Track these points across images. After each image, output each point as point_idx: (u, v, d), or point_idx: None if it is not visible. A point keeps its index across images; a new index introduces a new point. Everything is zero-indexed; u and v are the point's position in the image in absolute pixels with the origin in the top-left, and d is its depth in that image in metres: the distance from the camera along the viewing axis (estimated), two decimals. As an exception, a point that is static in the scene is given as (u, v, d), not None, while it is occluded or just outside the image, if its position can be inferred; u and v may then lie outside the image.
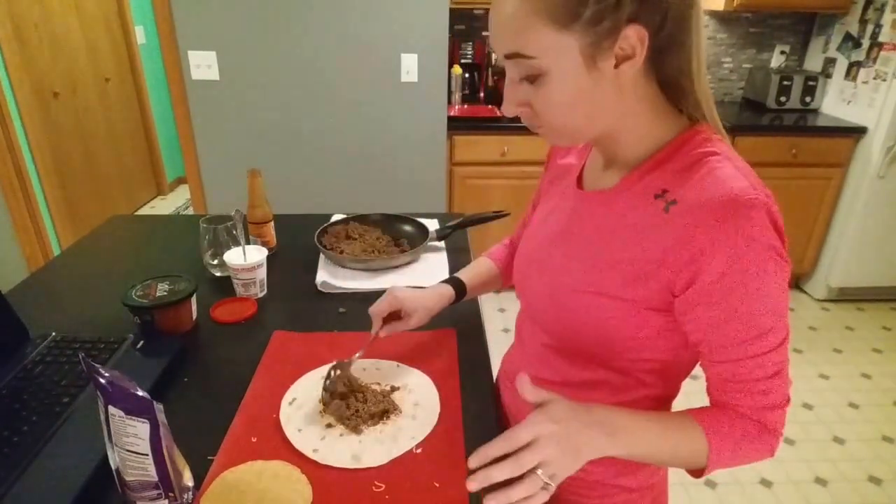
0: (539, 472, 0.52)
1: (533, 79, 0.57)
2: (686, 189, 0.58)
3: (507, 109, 0.61)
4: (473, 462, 0.54)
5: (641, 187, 0.63)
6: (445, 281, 0.97)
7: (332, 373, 0.83)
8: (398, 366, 0.91)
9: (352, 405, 0.80)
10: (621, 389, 0.71)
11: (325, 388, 0.82)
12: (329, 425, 0.78)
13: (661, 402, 0.73)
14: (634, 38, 0.53)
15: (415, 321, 0.89)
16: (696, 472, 0.65)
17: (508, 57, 0.57)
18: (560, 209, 0.74)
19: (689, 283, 0.58)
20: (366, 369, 0.90)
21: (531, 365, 0.79)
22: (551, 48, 0.54)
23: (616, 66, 0.55)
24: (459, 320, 1.03)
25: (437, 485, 0.69)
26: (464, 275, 0.98)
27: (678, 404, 0.73)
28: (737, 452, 0.61)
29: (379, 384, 0.86)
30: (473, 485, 0.53)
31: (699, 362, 0.66)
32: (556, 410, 0.56)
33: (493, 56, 2.89)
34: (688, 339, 0.63)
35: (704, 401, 0.66)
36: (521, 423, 0.55)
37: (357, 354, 0.87)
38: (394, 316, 0.91)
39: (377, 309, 0.88)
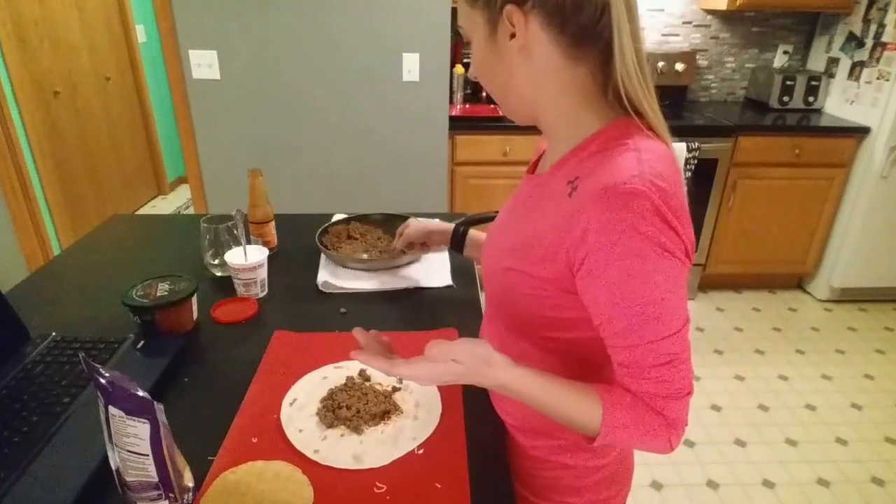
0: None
1: (468, 46, 0.68)
2: (588, 176, 0.61)
3: (470, 73, 0.74)
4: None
5: (562, 173, 0.67)
6: (455, 224, 1.10)
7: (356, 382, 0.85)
8: None
9: (353, 406, 0.80)
10: (547, 365, 0.72)
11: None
12: (330, 426, 0.77)
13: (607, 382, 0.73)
14: (515, 17, 0.61)
15: (436, 236, 1.12)
16: (589, 440, 0.65)
17: (459, 31, 0.70)
18: (516, 194, 0.81)
19: (578, 266, 0.60)
20: (367, 369, 0.89)
21: (488, 336, 0.83)
22: (468, 20, 0.67)
23: (510, 41, 0.63)
24: (461, 320, 1.03)
25: (439, 486, 0.69)
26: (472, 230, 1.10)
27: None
28: (631, 432, 0.63)
29: (380, 384, 0.86)
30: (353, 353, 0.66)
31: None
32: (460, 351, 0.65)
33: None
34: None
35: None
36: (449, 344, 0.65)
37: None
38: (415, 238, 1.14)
39: (412, 233, 1.13)
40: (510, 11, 0.61)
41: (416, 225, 1.15)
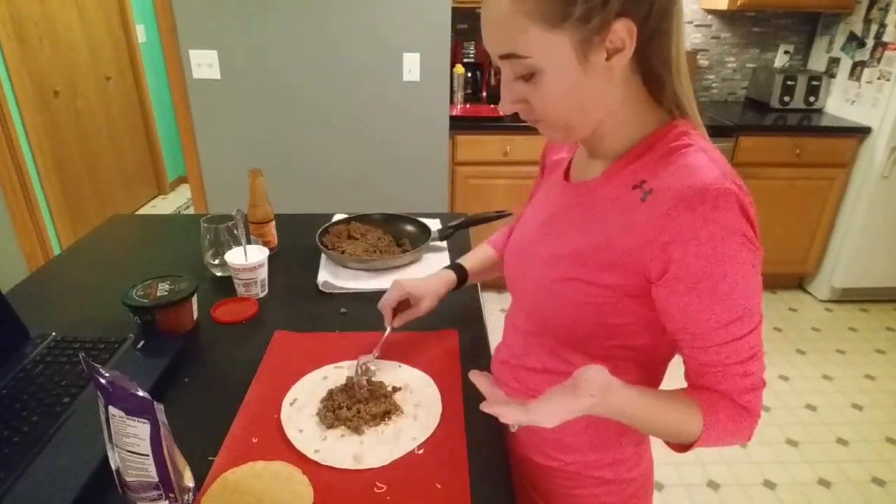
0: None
1: (528, 77, 0.59)
2: (661, 179, 0.60)
3: (504, 107, 0.63)
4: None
5: (621, 178, 0.64)
6: (447, 267, 0.99)
7: (358, 372, 0.84)
8: (399, 366, 0.91)
9: (353, 406, 0.79)
10: None
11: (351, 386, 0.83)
12: (330, 426, 0.77)
13: None
14: (623, 31, 0.55)
15: (425, 306, 0.92)
16: (681, 448, 0.65)
17: (503, 57, 0.59)
18: (548, 201, 0.77)
19: (663, 271, 0.59)
20: (361, 363, 0.89)
21: (516, 353, 0.81)
22: (544, 47, 0.56)
23: (607, 60, 0.57)
24: (461, 320, 1.03)
25: (440, 486, 0.69)
26: (465, 261, 1.01)
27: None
28: (724, 431, 0.63)
29: (381, 384, 0.86)
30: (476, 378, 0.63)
31: (677, 350, 0.67)
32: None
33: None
34: (665, 326, 0.64)
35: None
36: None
37: (374, 353, 0.88)
38: (403, 306, 0.93)
39: (386, 302, 0.91)
40: (625, 26, 0.55)
41: (394, 294, 0.92)
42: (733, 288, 0.57)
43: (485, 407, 0.60)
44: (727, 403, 0.63)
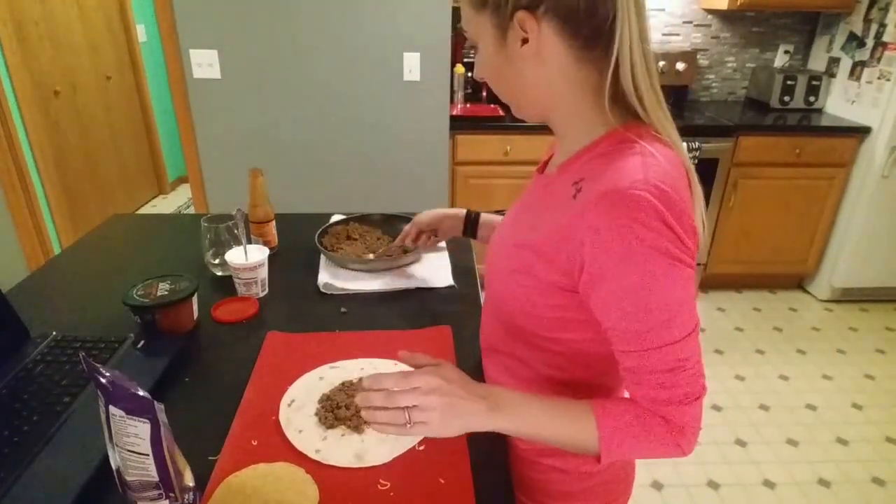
0: (408, 412, 0.60)
1: (474, 50, 0.69)
2: (592, 178, 0.61)
3: (475, 74, 0.71)
4: (365, 383, 0.63)
5: (568, 175, 0.66)
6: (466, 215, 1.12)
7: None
8: (395, 364, 0.91)
9: (351, 406, 0.79)
10: (543, 369, 0.73)
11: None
12: (330, 426, 0.77)
13: (588, 390, 0.74)
14: (525, 23, 0.60)
15: (447, 226, 1.15)
16: (596, 459, 0.65)
17: (461, 31, 0.70)
18: (525, 192, 0.80)
19: (581, 269, 0.60)
20: (363, 369, 0.89)
21: (487, 334, 0.84)
22: (474, 25, 0.66)
23: (521, 46, 0.62)
24: (460, 318, 1.03)
25: (443, 481, 0.69)
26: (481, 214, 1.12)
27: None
28: (634, 444, 0.63)
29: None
30: (357, 399, 0.63)
31: None
32: (447, 371, 0.64)
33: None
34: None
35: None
36: (417, 371, 0.64)
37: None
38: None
39: (423, 220, 1.17)
40: (523, 18, 0.60)
41: (427, 213, 1.18)
42: (648, 295, 0.56)
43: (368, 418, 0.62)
44: (642, 418, 0.62)
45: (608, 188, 0.56)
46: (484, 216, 1.12)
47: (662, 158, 0.59)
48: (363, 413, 0.62)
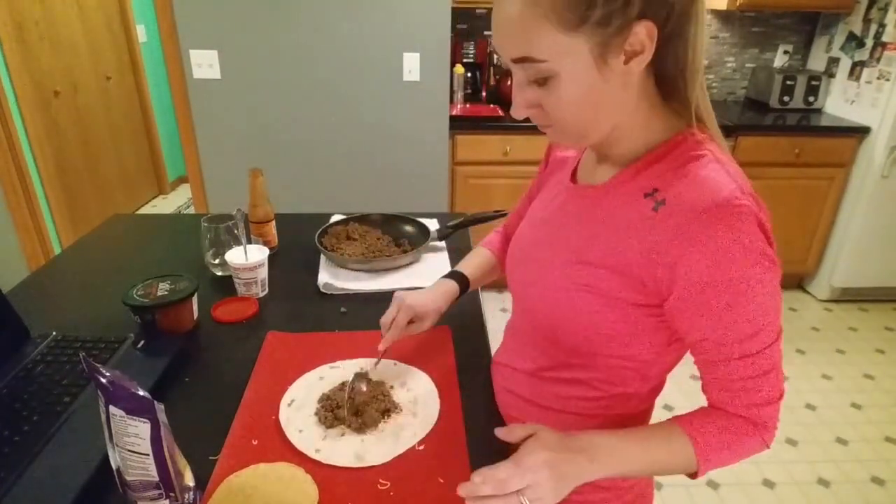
0: (523, 497, 0.56)
1: (542, 81, 0.57)
2: (675, 190, 0.58)
3: (517, 112, 0.61)
4: (476, 478, 0.57)
5: (632, 185, 0.63)
6: (447, 275, 0.96)
7: (355, 385, 0.81)
8: (395, 364, 0.91)
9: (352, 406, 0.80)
10: (598, 385, 0.71)
11: (349, 400, 0.80)
12: (331, 426, 0.77)
13: (638, 400, 0.74)
14: (643, 34, 0.53)
15: (428, 324, 0.89)
16: (692, 475, 0.66)
17: (516, 61, 0.57)
18: (553, 202, 0.75)
19: (675, 284, 0.58)
20: (363, 368, 0.89)
21: (515, 355, 0.80)
22: (561, 51, 0.54)
23: (625, 63, 0.55)
24: (460, 318, 1.03)
25: (442, 480, 0.69)
26: (465, 268, 0.98)
27: (677, 402, 0.72)
28: (727, 452, 0.63)
29: (380, 383, 0.86)
30: (462, 491, 0.57)
31: (694, 361, 0.66)
32: (547, 439, 0.60)
33: (495, 55, 2.89)
34: (682, 338, 0.64)
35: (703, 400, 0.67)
36: (520, 451, 0.59)
37: (374, 363, 0.88)
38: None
39: (398, 321, 0.86)
40: (646, 28, 0.53)
41: (414, 299, 0.89)
42: (749, 306, 0.56)
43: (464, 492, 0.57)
44: (730, 425, 0.63)
45: (705, 200, 0.55)
46: (470, 273, 0.97)
47: (735, 166, 0.59)
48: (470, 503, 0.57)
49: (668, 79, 0.60)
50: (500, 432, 0.64)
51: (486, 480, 0.56)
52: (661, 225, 0.58)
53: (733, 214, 0.54)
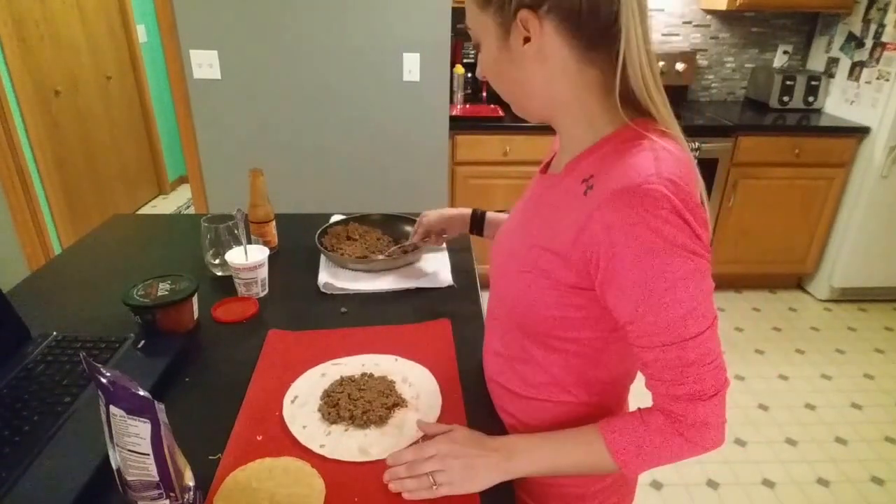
0: (432, 476, 0.66)
1: (477, 47, 0.68)
2: (603, 174, 0.61)
3: (478, 72, 0.71)
4: (389, 460, 0.70)
5: (577, 173, 0.66)
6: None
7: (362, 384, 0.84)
8: (396, 360, 0.91)
9: (359, 403, 0.80)
10: (557, 371, 0.73)
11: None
12: (334, 422, 0.78)
13: (601, 387, 0.74)
14: (528, 22, 0.60)
15: (457, 228, 1.17)
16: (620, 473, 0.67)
17: (467, 28, 0.69)
18: (529, 192, 0.79)
19: (597, 267, 0.60)
20: (364, 365, 0.90)
21: (491, 343, 0.83)
22: (478, 24, 0.66)
23: (524, 45, 0.62)
24: (461, 319, 1.03)
25: None
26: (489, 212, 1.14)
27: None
28: (653, 452, 0.63)
29: (383, 378, 0.86)
30: (385, 476, 0.68)
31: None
32: (458, 434, 0.71)
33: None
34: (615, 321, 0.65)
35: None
36: (430, 441, 0.70)
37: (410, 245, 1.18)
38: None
39: (431, 220, 1.18)
40: (525, 17, 0.60)
41: (433, 214, 1.19)
42: (665, 291, 0.56)
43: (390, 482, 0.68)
44: (648, 420, 0.64)
45: (622, 184, 0.56)
46: (490, 215, 1.13)
47: (671, 154, 0.59)
48: (392, 485, 0.67)
49: (609, 73, 0.62)
50: (419, 424, 0.75)
51: (394, 461, 0.70)
52: (586, 207, 0.60)
53: (642, 197, 0.55)
